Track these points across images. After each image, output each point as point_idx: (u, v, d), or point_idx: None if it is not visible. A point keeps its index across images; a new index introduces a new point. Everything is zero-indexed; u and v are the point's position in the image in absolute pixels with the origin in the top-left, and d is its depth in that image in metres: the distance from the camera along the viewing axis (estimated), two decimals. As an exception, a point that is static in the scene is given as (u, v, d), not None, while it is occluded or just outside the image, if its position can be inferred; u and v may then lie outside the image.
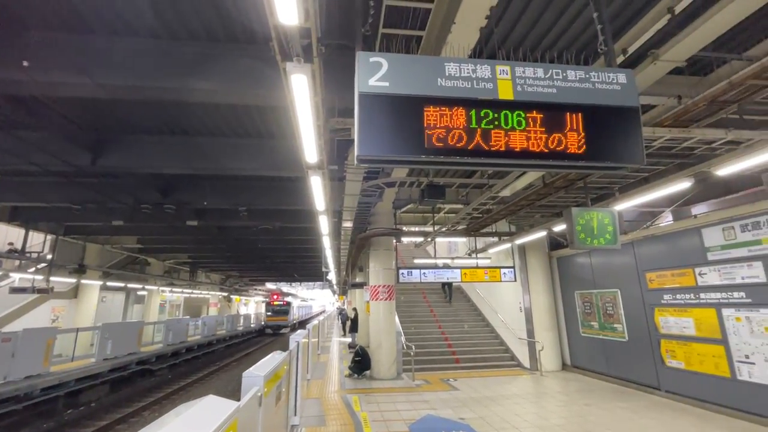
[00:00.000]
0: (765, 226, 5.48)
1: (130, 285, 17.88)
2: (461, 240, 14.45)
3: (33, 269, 12.10)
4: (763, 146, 4.36)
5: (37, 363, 8.18)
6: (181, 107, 5.97)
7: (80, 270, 13.53)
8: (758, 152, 4.40)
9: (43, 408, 8.25)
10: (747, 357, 5.61)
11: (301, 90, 3.04)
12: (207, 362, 17.41)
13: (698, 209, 8.40)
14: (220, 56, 4.55)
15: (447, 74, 2.42)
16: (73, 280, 13.83)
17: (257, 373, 3.03)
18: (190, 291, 25.09)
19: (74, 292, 14.76)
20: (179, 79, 4.51)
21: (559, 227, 8.17)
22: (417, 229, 11.96)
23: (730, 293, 5.88)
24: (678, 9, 3.37)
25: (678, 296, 6.70)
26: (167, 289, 21.77)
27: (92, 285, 14.94)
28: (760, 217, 5.55)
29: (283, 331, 31.14)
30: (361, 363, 9.05)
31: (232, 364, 17.19)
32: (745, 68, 3.80)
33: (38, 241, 11.55)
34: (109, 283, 16.42)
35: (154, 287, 20.00)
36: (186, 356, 15.77)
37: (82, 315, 14.61)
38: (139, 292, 20.31)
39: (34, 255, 11.12)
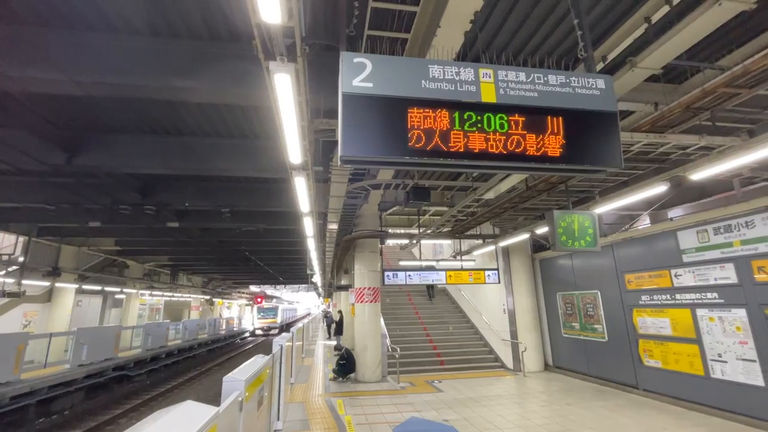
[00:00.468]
0: (736, 229, 5.70)
1: (107, 288, 17.32)
2: (446, 242, 14.56)
3: (3, 272, 11.60)
4: (734, 152, 4.53)
5: (7, 370, 7.82)
6: (162, 106, 5.83)
7: (54, 273, 13.04)
8: (729, 158, 4.58)
9: (13, 417, 7.89)
10: (720, 356, 5.80)
11: (284, 89, 3.01)
12: (188, 367, 17.01)
13: (674, 213, 8.66)
14: (203, 54, 4.46)
15: (431, 76, 2.43)
16: (46, 284, 13.31)
17: (238, 377, 2.97)
18: (170, 294, 24.50)
19: (48, 296, 14.20)
20: (160, 77, 4.40)
21: (542, 229, 8.31)
22: (402, 231, 12.00)
23: (703, 294, 6.08)
24: (654, 18, 3.49)
25: (655, 297, 6.89)
26: (147, 292, 21.18)
27: (67, 288, 14.41)
28: (731, 221, 5.77)
29: (273, 332, 33.48)
30: (345, 366, 8.99)
31: (214, 369, 16.86)
32: (717, 77, 3.97)
33: (9, 242, 11.10)
34: (86, 287, 15.86)
35: (133, 290, 19.44)
36: (166, 361, 15.37)
37: (56, 319, 14.05)
38: (117, 296, 19.71)
39: (5, 257, 10.68)
